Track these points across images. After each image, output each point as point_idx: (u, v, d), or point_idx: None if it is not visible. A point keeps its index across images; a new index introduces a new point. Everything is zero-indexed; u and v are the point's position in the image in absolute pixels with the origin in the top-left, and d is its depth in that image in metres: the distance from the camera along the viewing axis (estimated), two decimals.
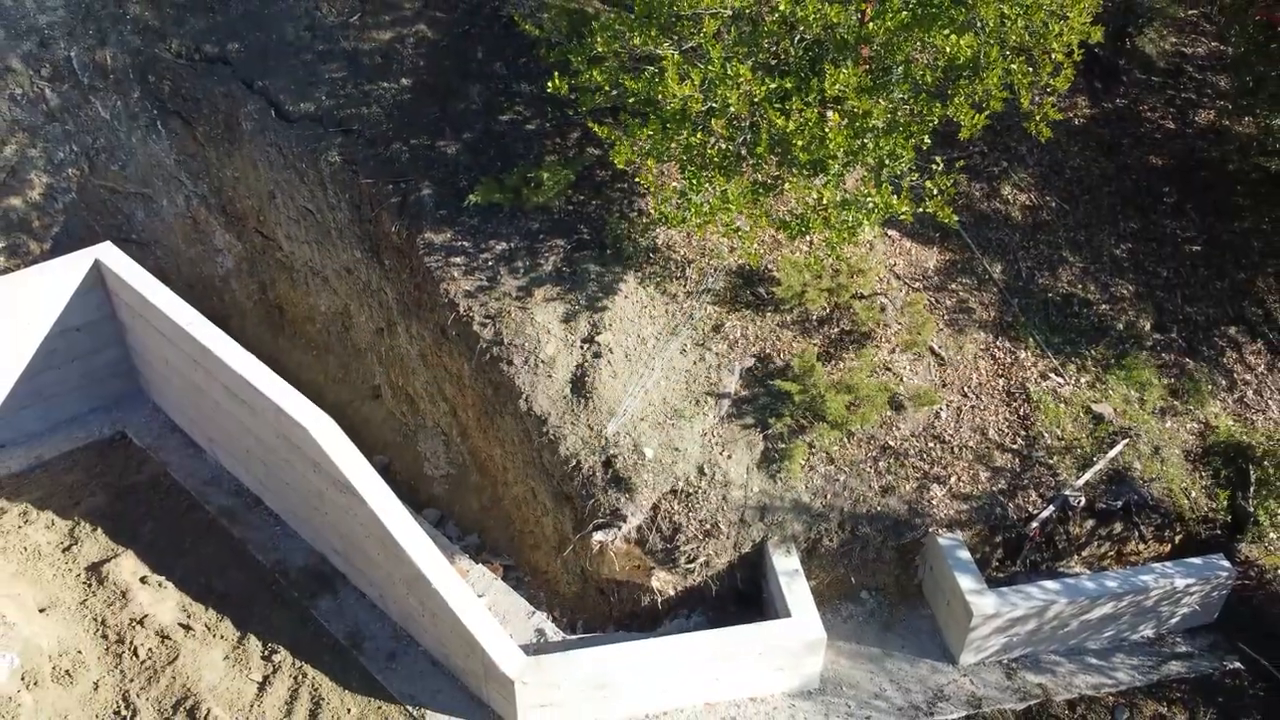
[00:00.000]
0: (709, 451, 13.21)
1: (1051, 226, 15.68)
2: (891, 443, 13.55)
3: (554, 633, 13.68)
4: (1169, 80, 17.54)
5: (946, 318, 14.65)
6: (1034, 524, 13.35)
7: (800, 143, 11.64)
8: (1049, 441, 13.78)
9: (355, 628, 13.40)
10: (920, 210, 12.40)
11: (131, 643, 12.63)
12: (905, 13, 11.89)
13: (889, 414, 13.64)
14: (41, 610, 12.78)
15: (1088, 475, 13.56)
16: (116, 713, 12.08)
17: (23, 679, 11.85)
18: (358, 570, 13.61)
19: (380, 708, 12.47)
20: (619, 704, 12.35)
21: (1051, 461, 13.63)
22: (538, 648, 13.22)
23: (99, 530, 14.05)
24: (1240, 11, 16.17)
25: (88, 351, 15.69)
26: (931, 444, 13.61)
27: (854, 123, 11.82)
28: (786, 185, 12.38)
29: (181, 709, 12.07)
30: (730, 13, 12.07)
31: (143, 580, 13.43)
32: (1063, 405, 14.06)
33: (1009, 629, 12.84)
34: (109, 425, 16.05)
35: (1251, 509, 13.71)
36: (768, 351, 13.92)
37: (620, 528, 12.92)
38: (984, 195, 15.83)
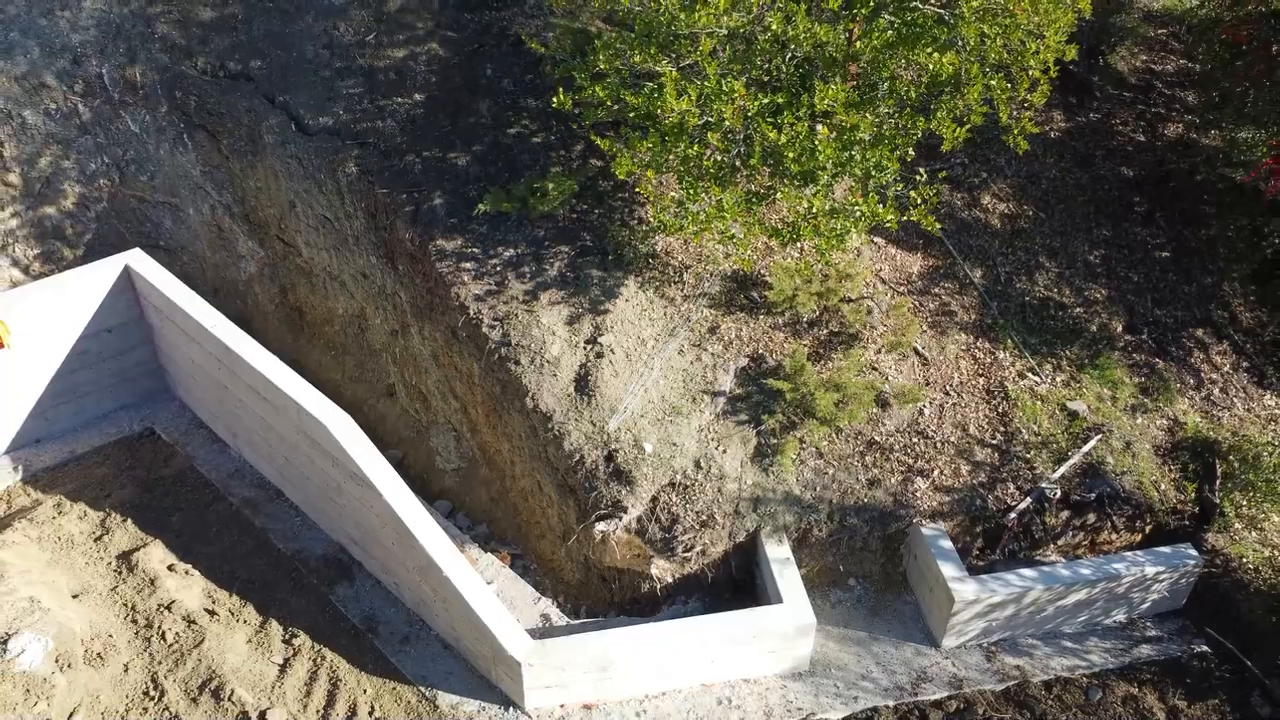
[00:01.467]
0: (705, 446, 13.21)
1: (1029, 234, 15.68)
2: (878, 438, 13.55)
3: (559, 618, 13.68)
4: (1140, 95, 17.55)
5: (930, 320, 14.65)
6: (1012, 515, 13.35)
7: (791, 155, 11.64)
8: (1026, 437, 13.78)
9: (371, 613, 13.41)
10: (905, 218, 12.40)
11: (160, 627, 12.62)
12: (890, 32, 11.90)
13: (875, 411, 13.65)
14: (74, 596, 12.77)
15: (1063, 469, 13.56)
16: (145, 693, 12.07)
17: (56, 661, 11.85)
18: (373, 559, 13.61)
19: (395, 688, 12.47)
20: (620, 685, 12.36)
21: (1029, 456, 13.64)
22: (543, 632, 13.23)
23: (129, 521, 14.05)
24: (1207, 30, 16.21)
25: (118, 352, 15.69)
26: (915, 439, 13.61)
27: (842, 136, 11.82)
28: (778, 195, 12.38)
29: (207, 690, 12.07)
30: (725, 32, 12.06)
31: (170, 568, 13.43)
32: (1039, 403, 14.07)
33: (989, 614, 12.85)
34: (138, 421, 16.05)
35: (1218, 501, 13.72)
36: (760, 352, 13.93)
37: (621, 518, 12.92)
38: (965, 204, 15.83)
